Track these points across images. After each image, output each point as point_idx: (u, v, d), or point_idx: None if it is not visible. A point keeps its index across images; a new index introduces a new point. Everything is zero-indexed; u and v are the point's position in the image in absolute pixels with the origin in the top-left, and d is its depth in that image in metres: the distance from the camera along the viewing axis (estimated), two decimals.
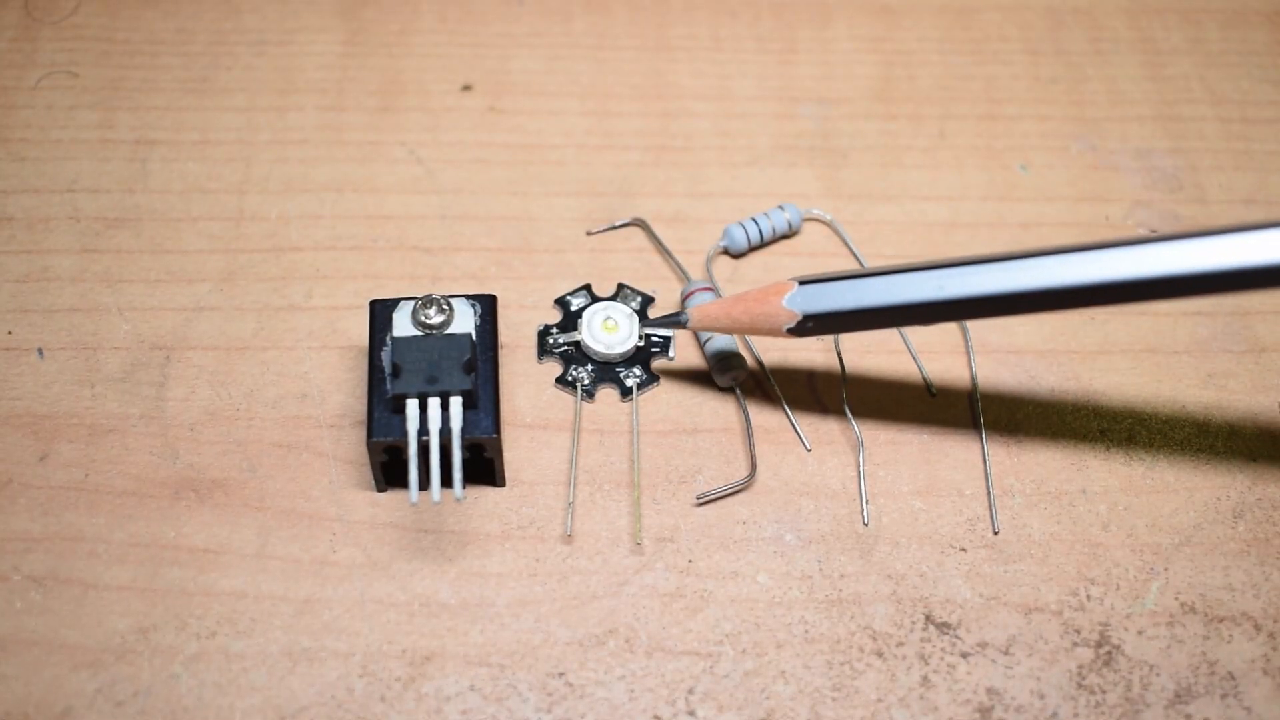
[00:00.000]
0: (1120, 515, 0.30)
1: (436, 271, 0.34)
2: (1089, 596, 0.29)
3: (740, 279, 0.34)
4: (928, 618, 0.29)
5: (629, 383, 0.32)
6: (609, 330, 0.32)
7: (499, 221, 0.35)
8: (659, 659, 0.28)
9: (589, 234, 0.35)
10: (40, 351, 0.32)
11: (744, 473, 0.31)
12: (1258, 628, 0.29)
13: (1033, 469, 0.31)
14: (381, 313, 0.30)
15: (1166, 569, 0.29)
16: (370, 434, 0.28)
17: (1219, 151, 0.38)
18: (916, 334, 0.34)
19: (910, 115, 0.39)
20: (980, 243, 0.35)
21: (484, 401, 0.29)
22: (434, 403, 0.28)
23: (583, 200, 0.36)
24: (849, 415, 0.32)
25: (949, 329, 0.34)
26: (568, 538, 0.29)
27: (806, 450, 0.31)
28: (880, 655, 0.28)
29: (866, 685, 0.27)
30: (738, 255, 0.35)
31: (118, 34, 0.39)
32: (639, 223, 0.35)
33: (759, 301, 0.29)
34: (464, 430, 0.28)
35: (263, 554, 0.29)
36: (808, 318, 0.28)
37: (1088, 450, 0.31)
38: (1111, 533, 0.30)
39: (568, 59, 0.40)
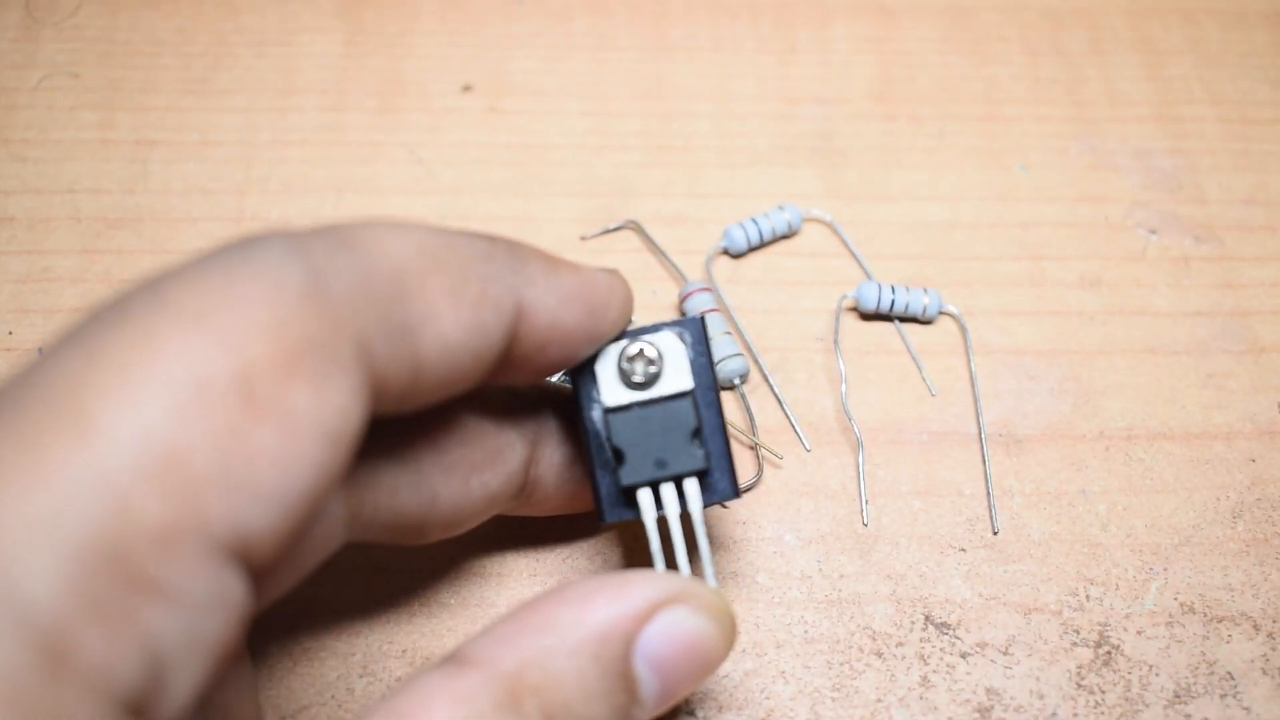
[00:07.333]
0: (1120, 515, 0.30)
1: None
2: (1088, 596, 0.29)
3: (740, 279, 0.34)
4: (927, 618, 0.29)
5: None
6: None
7: (499, 222, 0.35)
8: None
9: (583, 239, 0.35)
10: (41, 352, 0.32)
11: (750, 474, 0.31)
12: (1257, 628, 0.29)
13: (1032, 469, 0.31)
14: (582, 369, 0.25)
15: (1166, 569, 0.30)
16: (602, 515, 0.25)
17: (1218, 152, 0.38)
18: (916, 334, 0.34)
19: (910, 116, 0.39)
20: (980, 242, 0.36)
21: (716, 456, 0.25)
22: (667, 487, 0.24)
23: (582, 201, 0.36)
24: (849, 415, 0.32)
25: (949, 329, 0.34)
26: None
27: (806, 450, 0.31)
28: (880, 655, 0.28)
29: (866, 685, 0.28)
30: (737, 255, 0.35)
31: (118, 35, 0.39)
32: (632, 225, 0.35)
33: None
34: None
35: None
36: None
37: (1087, 450, 0.31)
38: (1111, 533, 0.30)
39: (568, 60, 0.40)
